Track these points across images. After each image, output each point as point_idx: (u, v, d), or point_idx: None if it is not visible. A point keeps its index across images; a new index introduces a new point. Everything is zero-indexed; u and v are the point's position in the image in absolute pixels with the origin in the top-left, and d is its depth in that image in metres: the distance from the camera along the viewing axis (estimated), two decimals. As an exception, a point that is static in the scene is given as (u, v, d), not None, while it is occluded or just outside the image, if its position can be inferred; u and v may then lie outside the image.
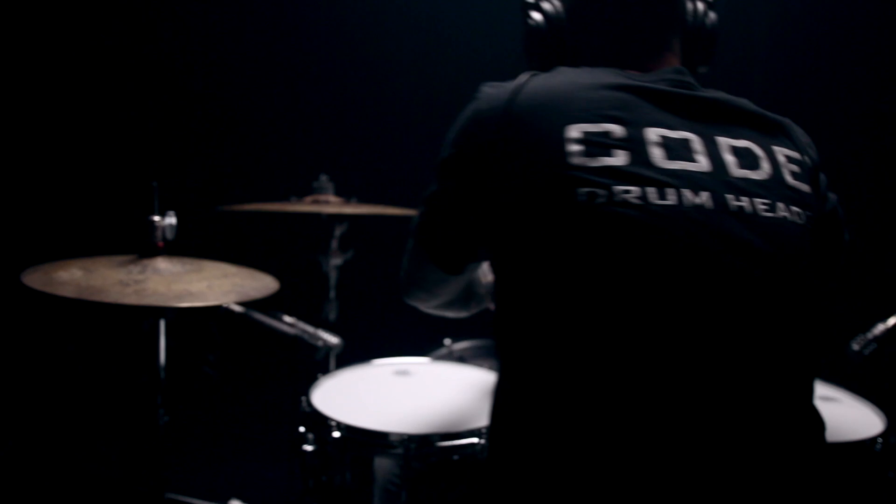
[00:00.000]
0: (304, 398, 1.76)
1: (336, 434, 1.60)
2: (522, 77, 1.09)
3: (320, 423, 1.65)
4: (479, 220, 1.08)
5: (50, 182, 3.14)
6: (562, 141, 0.99)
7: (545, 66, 1.15)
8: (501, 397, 1.11)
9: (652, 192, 0.98)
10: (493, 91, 1.08)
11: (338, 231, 2.18)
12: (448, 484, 1.60)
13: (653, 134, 1.02)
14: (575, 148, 0.99)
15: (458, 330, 2.54)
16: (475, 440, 1.56)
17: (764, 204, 1.03)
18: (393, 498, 1.58)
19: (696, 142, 1.04)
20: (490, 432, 1.14)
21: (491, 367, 2.00)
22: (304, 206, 2.04)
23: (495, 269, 1.13)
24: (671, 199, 0.98)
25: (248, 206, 2.06)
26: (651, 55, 1.16)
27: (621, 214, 0.96)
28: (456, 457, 1.58)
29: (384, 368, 1.99)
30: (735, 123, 1.10)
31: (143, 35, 3.22)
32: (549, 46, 1.22)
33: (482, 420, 1.62)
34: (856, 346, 1.80)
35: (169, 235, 1.58)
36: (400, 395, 1.83)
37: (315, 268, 2.21)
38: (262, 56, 3.29)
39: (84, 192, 3.13)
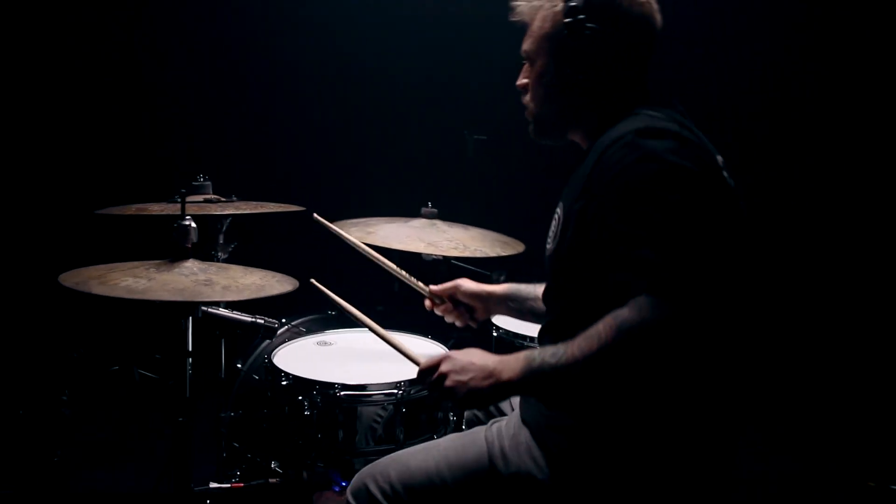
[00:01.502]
0: (283, 374, 2.01)
1: (342, 394, 1.93)
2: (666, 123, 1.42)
3: (309, 389, 1.95)
4: None
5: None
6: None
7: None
8: None
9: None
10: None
11: (223, 226, 2.35)
12: (426, 415, 2.06)
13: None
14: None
15: (289, 310, 2.85)
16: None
17: None
18: (390, 432, 1.98)
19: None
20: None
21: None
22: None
23: None
24: None
25: (151, 209, 2.13)
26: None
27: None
28: (418, 394, 2.02)
29: (305, 342, 2.30)
30: None
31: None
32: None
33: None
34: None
35: (195, 238, 1.70)
36: (347, 358, 2.19)
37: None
38: (132, 55, 3.23)
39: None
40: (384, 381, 1.97)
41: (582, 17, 1.48)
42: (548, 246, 1.58)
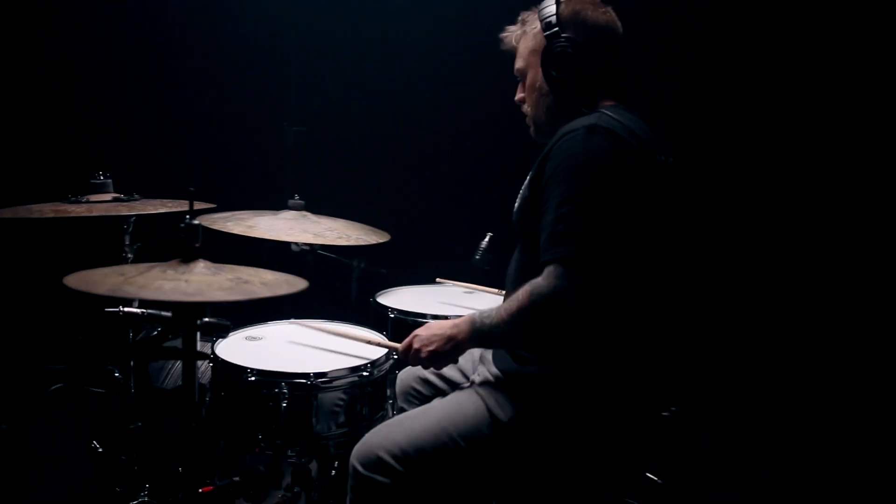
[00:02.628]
0: (248, 370, 2.02)
1: (317, 382, 2.02)
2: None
3: (277, 381, 2.01)
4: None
5: None
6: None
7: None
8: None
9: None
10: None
11: (129, 226, 2.21)
12: (382, 393, 2.22)
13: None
14: None
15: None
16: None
17: None
18: (353, 412, 2.11)
19: None
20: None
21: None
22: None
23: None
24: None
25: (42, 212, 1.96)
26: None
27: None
28: (378, 373, 2.17)
29: (234, 339, 2.29)
30: None
31: None
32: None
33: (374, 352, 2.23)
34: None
35: (201, 237, 1.65)
36: (289, 349, 2.25)
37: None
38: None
39: None
40: (351, 366, 2.08)
41: (556, 29, 1.87)
42: (515, 204, 1.93)
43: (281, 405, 1.97)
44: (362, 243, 2.79)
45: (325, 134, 3.79)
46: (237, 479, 2.06)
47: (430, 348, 1.84)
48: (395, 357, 2.23)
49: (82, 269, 1.62)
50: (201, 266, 1.63)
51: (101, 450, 2.51)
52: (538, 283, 1.68)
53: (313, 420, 2.01)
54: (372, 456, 1.82)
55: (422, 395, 2.28)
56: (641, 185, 1.75)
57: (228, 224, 2.64)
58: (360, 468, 1.83)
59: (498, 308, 1.76)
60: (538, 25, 1.91)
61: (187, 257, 1.63)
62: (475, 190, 4.20)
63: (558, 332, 1.71)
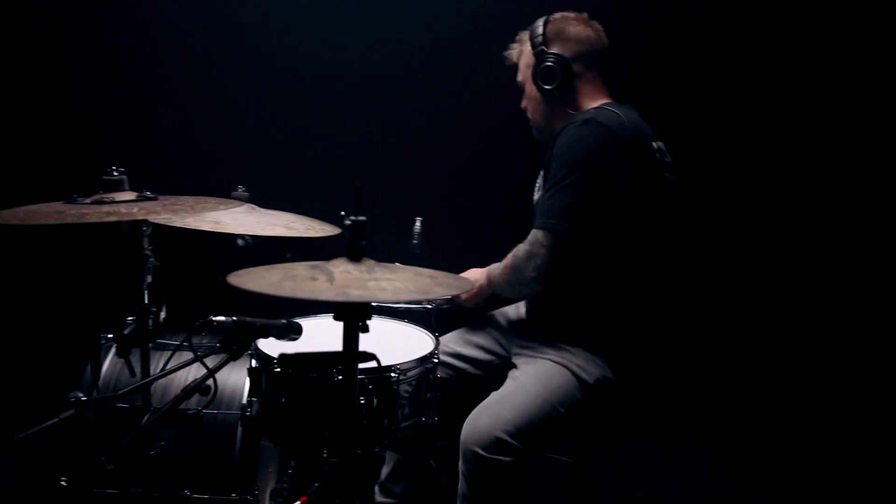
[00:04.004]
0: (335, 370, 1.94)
1: (400, 376, 1.99)
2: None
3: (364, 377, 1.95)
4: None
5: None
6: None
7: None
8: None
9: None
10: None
11: (149, 229, 1.93)
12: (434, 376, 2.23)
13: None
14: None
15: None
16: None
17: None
18: (421, 401, 2.10)
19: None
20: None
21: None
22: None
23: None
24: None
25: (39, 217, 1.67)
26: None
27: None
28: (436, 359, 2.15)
29: (269, 339, 2.12)
30: None
31: None
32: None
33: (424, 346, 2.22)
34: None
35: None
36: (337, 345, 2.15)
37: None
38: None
39: None
40: (420, 356, 2.08)
41: (543, 47, 2.21)
42: (535, 196, 2.26)
43: (373, 402, 1.91)
44: (325, 234, 2.68)
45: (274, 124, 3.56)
46: (317, 484, 1.97)
47: (467, 292, 2.26)
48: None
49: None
50: (374, 264, 1.58)
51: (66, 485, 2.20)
52: (519, 246, 2.07)
53: (398, 413, 1.99)
54: (491, 438, 1.90)
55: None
56: (634, 169, 2.03)
57: (188, 220, 2.41)
58: (482, 452, 1.89)
59: (501, 263, 2.14)
60: (528, 43, 2.24)
61: (356, 255, 1.56)
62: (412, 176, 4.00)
63: (535, 290, 2.08)
